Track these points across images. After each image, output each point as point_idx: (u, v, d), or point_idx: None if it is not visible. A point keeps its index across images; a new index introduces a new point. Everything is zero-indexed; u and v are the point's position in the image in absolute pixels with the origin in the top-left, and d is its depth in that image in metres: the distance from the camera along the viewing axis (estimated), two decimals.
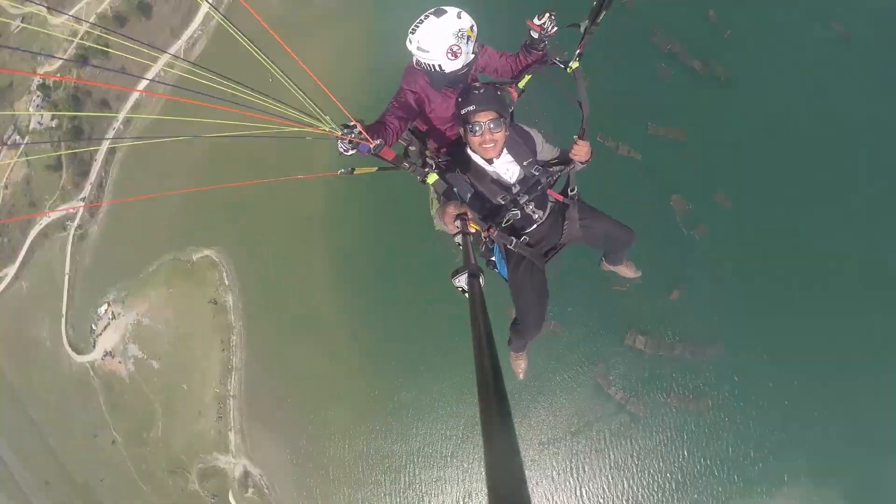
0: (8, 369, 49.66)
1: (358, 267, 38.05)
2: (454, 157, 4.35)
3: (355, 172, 3.90)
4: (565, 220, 4.56)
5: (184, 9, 52.39)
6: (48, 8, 49.73)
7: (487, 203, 4.12)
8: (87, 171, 49.56)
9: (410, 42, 4.14)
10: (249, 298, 40.69)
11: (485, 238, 3.94)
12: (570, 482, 31.83)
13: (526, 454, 31.89)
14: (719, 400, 30.25)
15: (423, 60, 4.17)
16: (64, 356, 47.54)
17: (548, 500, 32.04)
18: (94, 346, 46.16)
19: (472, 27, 4.13)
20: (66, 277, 48.38)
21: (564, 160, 4.47)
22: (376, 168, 3.77)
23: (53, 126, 49.71)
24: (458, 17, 4.08)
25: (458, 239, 3.20)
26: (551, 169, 4.36)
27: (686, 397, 30.84)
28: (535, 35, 4.43)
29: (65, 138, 48.93)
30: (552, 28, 4.43)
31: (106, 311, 45.77)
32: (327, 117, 3.12)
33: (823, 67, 30.85)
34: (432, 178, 3.82)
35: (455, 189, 4.09)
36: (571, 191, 4.60)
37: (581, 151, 4.32)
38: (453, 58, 4.09)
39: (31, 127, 50.25)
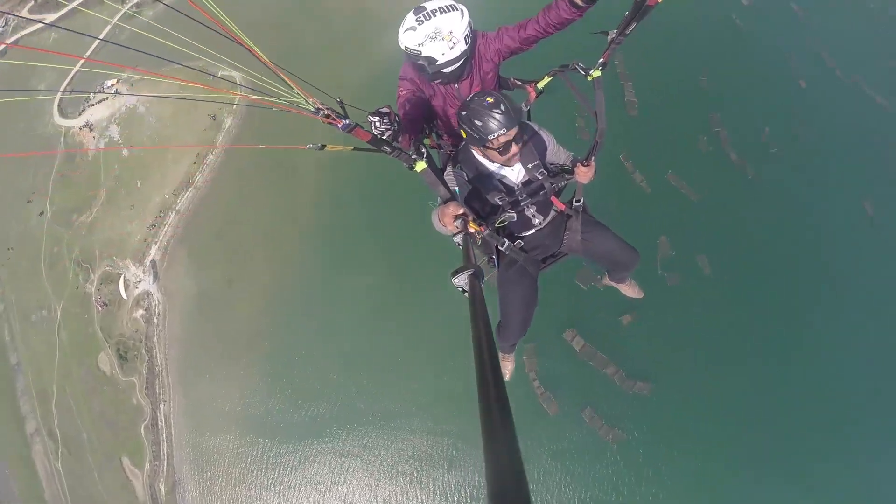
0: None
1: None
2: (457, 151, 4.23)
3: (326, 148, 3.38)
4: (566, 230, 4.45)
5: None
6: None
7: (485, 202, 3.98)
8: None
9: (399, 40, 4.00)
10: (245, 127, 39.76)
11: (476, 237, 3.63)
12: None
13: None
14: (633, 438, 29.76)
15: (415, 56, 4.01)
16: (46, 112, 45.80)
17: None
18: (80, 115, 44.31)
19: (462, 14, 3.93)
20: (96, 43, 46.36)
21: (570, 170, 4.19)
22: (351, 147, 3.35)
23: None
24: (444, 10, 3.91)
25: (458, 239, 3.23)
26: (556, 177, 4.14)
27: (599, 419, 30.10)
28: None
29: None
30: None
31: (112, 85, 43.77)
32: (311, 100, 2.87)
33: (844, 233, 32.81)
34: (420, 166, 3.38)
35: (453, 184, 3.91)
36: (577, 201, 4.38)
37: (585, 175, 4.11)
38: (448, 48, 3.93)
39: None
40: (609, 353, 31.06)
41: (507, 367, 5.58)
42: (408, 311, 32.23)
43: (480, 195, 3.93)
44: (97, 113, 43.45)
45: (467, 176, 3.94)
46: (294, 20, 42.92)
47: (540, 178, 3.98)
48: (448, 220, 3.23)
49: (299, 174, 36.99)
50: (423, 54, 3.93)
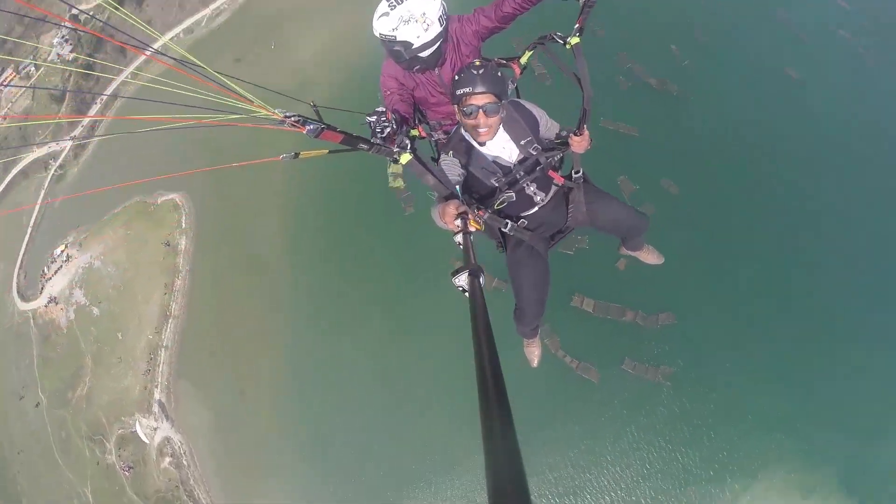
0: None
1: (309, 223, 38.49)
2: (449, 138, 4.17)
3: (301, 156, 3.29)
4: (570, 202, 4.29)
5: None
6: None
7: (482, 186, 3.90)
8: (86, 110, 49.36)
9: (373, 28, 3.96)
10: (201, 243, 39.56)
11: (476, 222, 3.29)
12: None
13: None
14: (678, 369, 30.58)
15: (391, 43, 3.95)
16: (7, 303, 45.16)
17: None
18: (41, 292, 43.86)
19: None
20: (33, 219, 46.19)
21: (565, 142, 4.13)
22: (327, 151, 3.24)
23: (70, 60, 50.09)
24: None
25: (459, 238, 3.09)
26: (551, 151, 4.07)
27: (642, 366, 30.73)
28: None
29: (77, 73, 49.42)
30: None
31: (62, 252, 43.77)
32: (278, 110, 2.74)
33: (773, 99, 36.94)
34: (405, 158, 3.25)
35: (449, 173, 3.81)
36: (576, 172, 4.25)
37: (580, 145, 4.04)
38: (422, 30, 3.90)
39: (49, 58, 50.80)
40: (621, 301, 31.87)
41: (535, 353, 5.47)
42: (413, 372, 32.63)
43: (477, 179, 3.87)
44: (57, 284, 42.67)
45: (461, 162, 3.84)
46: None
47: (534, 153, 3.91)
48: (449, 219, 3.14)
49: (269, 265, 36.90)
50: (398, 39, 3.88)
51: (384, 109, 3.28)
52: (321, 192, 39.17)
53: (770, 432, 28.85)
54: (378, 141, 3.21)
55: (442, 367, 31.15)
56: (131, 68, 50.09)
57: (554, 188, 4.22)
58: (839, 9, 48.16)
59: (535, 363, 5.48)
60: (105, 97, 49.42)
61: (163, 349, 36.84)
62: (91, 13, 51.67)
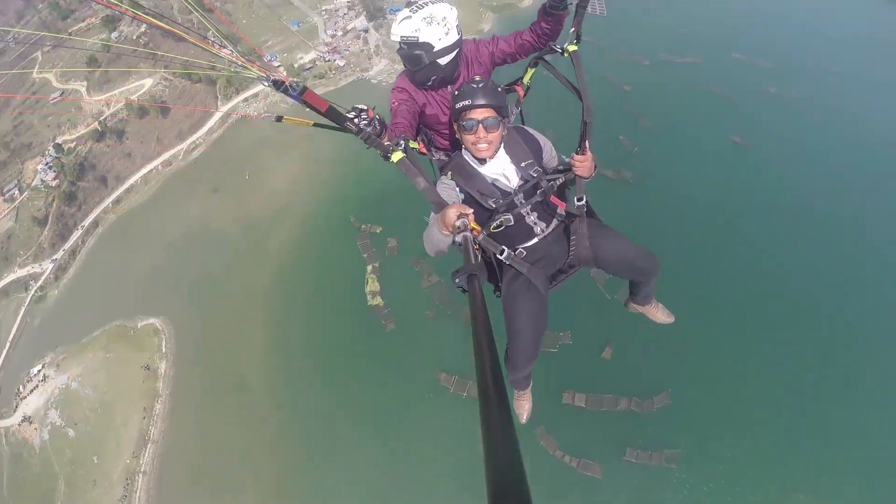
0: None
1: (292, 344, 40.01)
2: (450, 159, 4.07)
3: (283, 121, 3.53)
4: (572, 234, 4.02)
5: (196, 116, 59.65)
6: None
7: (480, 208, 3.74)
8: (68, 235, 51.80)
9: (394, 33, 4.03)
10: (182, 366, 40.97)
11: (474, 242, 3.25)
12: None
13: None
14: (683, 450, 30.90)
15: (412, 45, 4.01)
16: None
17: None
18: (14, 411, 44.16)
19: (451, 6, 4.11)
20: (11, 338, 47.69)
21: (567, 168, 4.04)
22: (311, 123, 3.37)
23: (53, 186, 53.37)
24: (434, 0, 4.06)
25: (459, 239, 3.06)
26: (553, 174, 3.96)
27: (644, 453, 30.80)
28: None
29: (60, 199, 52.35)
30: None
31: (38, 372, 44.74)
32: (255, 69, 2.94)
33: (718, 167, 43.82)
34: (397, 156, 3.37)
35: (447, 195, 3.75)
36: (579, 200, 3.99)
37: (583, 167, 3.89)
38: (444, 33, 4.00)
39: (33, 183, 53.93)
40: (613, 391, 32.73)
41: (525, 407, 4.88)
42: (407, 492, 32.58)
43: (474, 201, 3.75)
44: (32, 403, 43.46)
45: (459, 183, 3.80)
46: None
47: (535, 175, 3.81)
48: (450, 221, 3.08)
49: (253, 386, 38.28)
50: (419, 40, 3.96)
51: (366, 108, 3.34)
52: (303, 311, 41.36)
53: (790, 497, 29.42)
54: (366, 128, 3.30)
55: (435, 481, 31.45)
56: (114, 195, 54.05)
57: (556, 222, 4.06)
58: (764, 69, 57.82)
59: (524, 418, 4.93)
60: (87, 223, 52.74)
61: (141, 474, 37.00)
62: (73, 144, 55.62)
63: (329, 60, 64.52)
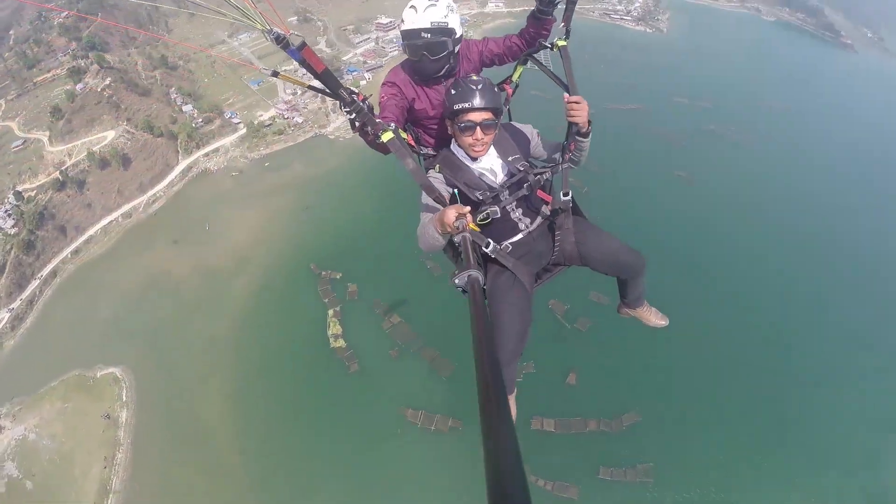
0: None
1: (255, 389, 41.37)
2: (438, 153, 4.18)
3: (280, 76, 3.31)
4: (557, 228, 4.08)
5: (157, 169, 61.82)
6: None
7: (467, 201, 3.78)
8: (25, 284, 52.39)
9: (419, 19, 4.03)
10: (144, 414, 41.62)
11: (466, 219, 3.13)
12: None
13: None
14: (656, 463, 32.55)
15: (439, 32, 4.04)
16: None
17: None
18: None
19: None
20: None
21: (558, 150, 4.14)
22: (306, 85, 3.31)
23: (11, 234, 53.94)
24: None
25: (458, 239, 3.09)
26: (539, 169, 4.00)
27: (619, 471, 32.17)
28: None
29: (18, 247, 52.87)
30: None
31: None
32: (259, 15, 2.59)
33: (666, 200, 50.05)
34: (387, 135, 3.35)
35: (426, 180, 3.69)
36: (565, 194, 4.04)
37: (580, 111, 3.85)
38: (449, 11, 4.06)
39: None
40: (581, 414, 34.40)
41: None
42: None
43: (462, 194, 3.79)
44: None
45: (448, 176, 3.84)
46: None
47: (521, 169, 3.84)
48: (449, 221, 3.02)
49: (215, 432, 39.30)
50: (448, 25, 4.05)
51: (357, 90, 3.21)
52: (265, 356, 42.95)
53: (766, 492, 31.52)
54: (361, 104, 3.19)
55: None
56: (73, 246, 55.14)
57: (540, 220, 4.08)
58: (704, 110, 67.68)
59: None
60: (45, 273, 53.43)
61: None
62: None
63: (288, 118, 68.46)
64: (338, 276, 48.37)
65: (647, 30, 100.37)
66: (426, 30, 4.02)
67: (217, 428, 39.90)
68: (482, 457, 0.90)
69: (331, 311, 45.65)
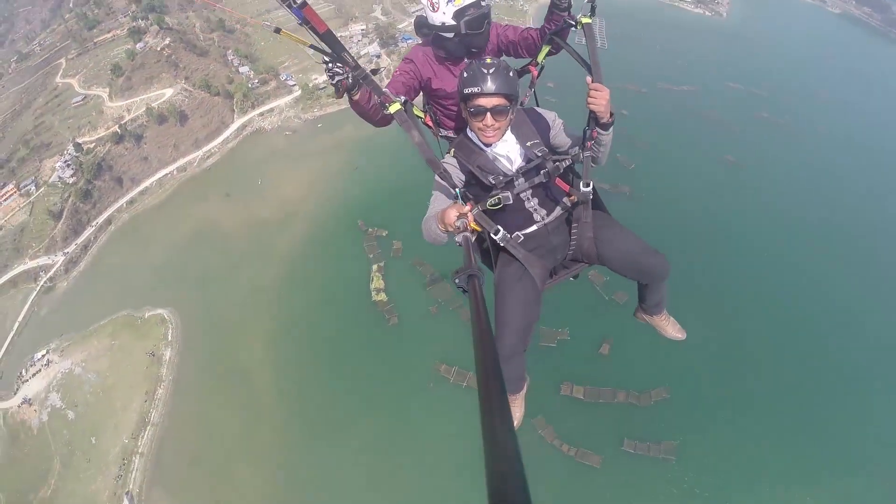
0: None
1: (296, 336, 41.72)
2: (455, 138, 4.02)
3: (281, 34, 3.30)
4: (574, 221, 3.78)
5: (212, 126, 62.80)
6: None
7: (481, 185, 3.63)
8: (81, 230, 53.96)
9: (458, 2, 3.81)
10: (187, 354, 42.50)
11: (468, 219, 3.05)
12: None
13: None
14: (681, 442, 32.03)
15: (477, 9, 3.84)
16: None
17: None
18: (15, 393, 45.09)
19: None
20: (17, 325, 48.97)
21: (579, 141, 3.72)
22: (308, 44, 3.09)
23: (70, 183, 55.79)
24: None
25: (459, 239, 3.00)
26: (559, 155, 3.69)
27: (643, 444, 31.80)
28: None
29: (76, 195, 54.56)
30: None
31: (42, 357, 45.93)
32: None
33: (713, 182, 48.32)
34: (395, 107, 3.30)
35: (451, 171, 3.63)
36: (585, 185, 3.65)
37: (600, 99, 3.42)
38: None
39: (51, 180, 56.22)
40: (611, 384, 34.20)
41: (517, 414, 4.27)
42: (403, 481, 33.13)
43: (475, 177, 3.63)
44: (34, 386, 44.50)
45: (462, 159, 3.69)
46: None
47: (539, 154, 3.63)
48: (450, 220, 2.97)
49: (254, 375, 39.70)
50: (490, 2, 3.91)
51: (348, 58, 3.13)
52: (308, 305, 43.31)
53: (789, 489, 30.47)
54: (365, 70, 3.17)
55: (435, 464, 32.56)
56: (129, 196, 56.43)
57: (558, 210, 3.81)
58: (757, 97, 65.92)
59: (515, 424, 4.00)
60: (100, 221, 54.80)
61: (138, 455, 37.97)
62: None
63: None
64: (384, 234, 48.24)
65: (707, 13, 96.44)
66: (475, 3, 3.84)
67: (256, 370, 40.37)
68: (483, 459, 0.88)
69: (374, 266, 45.63)
